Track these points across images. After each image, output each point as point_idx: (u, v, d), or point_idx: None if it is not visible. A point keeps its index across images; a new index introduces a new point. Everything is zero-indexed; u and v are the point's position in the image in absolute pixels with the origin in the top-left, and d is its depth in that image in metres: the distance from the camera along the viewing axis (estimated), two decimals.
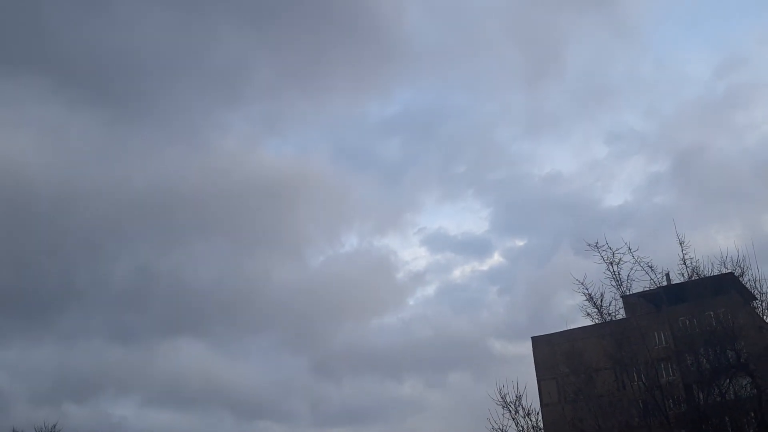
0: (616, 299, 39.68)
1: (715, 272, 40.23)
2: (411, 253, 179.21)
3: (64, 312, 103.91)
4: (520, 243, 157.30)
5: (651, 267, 38.36)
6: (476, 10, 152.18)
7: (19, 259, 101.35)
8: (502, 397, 37.48)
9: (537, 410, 38.20)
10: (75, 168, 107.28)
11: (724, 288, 42.81)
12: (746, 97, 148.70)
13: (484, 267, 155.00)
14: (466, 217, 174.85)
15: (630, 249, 37.92)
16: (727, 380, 36.17)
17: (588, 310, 40.01)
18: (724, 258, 39.67)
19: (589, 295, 39.44)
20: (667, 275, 44.66)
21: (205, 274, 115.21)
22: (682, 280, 41.79)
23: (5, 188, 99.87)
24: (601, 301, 39.20)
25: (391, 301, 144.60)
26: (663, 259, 43.29)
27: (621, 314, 42.27)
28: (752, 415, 36.10)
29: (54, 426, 53.20)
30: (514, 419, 36.71)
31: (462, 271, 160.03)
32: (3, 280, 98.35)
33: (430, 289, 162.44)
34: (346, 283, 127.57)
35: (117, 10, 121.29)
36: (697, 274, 39.75)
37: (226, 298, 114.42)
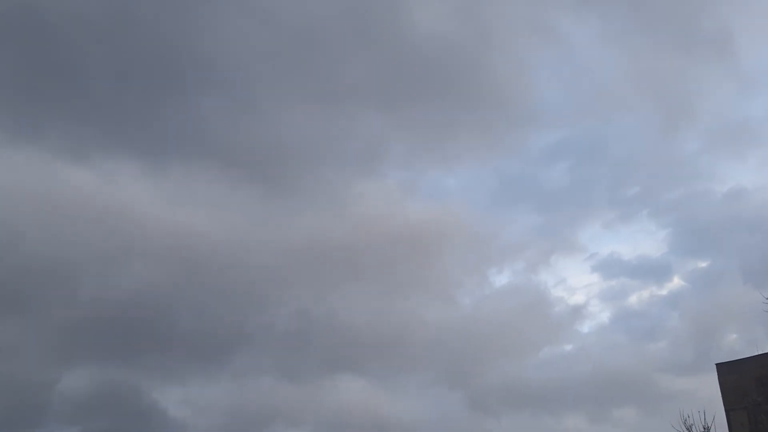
0: None
1: None
2: (582, 281, 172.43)
3: (236, 353, 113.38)
4: (702, 264, 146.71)
5: None
6: (600, 73, 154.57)
7: (198, 309, 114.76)
8: (687, 428, 35.04)
9: None
10: (239, 233, 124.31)
11: None
12: None
13: (663, 291, 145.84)
14: (641, 240, 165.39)
15: None
16: None
17: None
18: None
19: None
20: None
21: (360, 317, 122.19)
22: None
23: (186, 252, 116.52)
24: None
25: (552, 333, 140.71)
26: None
27: None
28: None
29: None
30: None
31: (639, 296, 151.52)
32: (186, 327, 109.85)
33: (604, 317, 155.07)
34: (502, 320, 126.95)
35: (264, 106, 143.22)
36: None
37: (381, 338, 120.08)
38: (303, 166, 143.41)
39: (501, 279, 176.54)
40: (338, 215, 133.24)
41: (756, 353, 47.16)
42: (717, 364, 51.08)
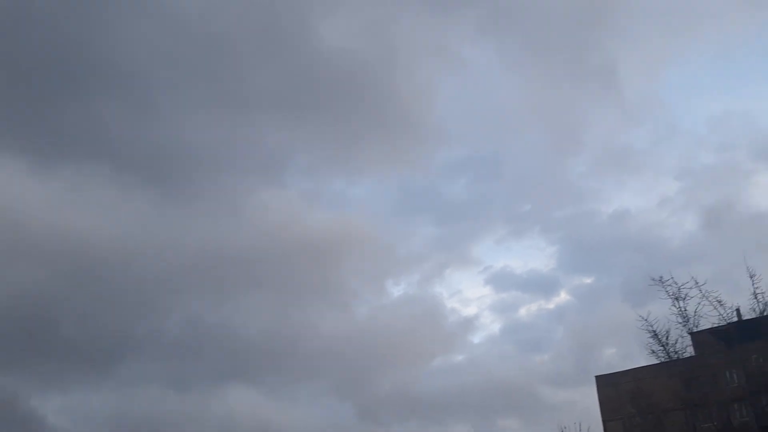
0: (682, 336, 38.23)
1: None
2: (475, 293, 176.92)
3: (123, 360, 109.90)
4: (587, 281, 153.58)
5: (720, 302, 36.90)
6: (498, 99, 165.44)
7: (84, 314, 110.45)
8: None
9: None
10: (130, 238, 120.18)
11: None
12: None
13: (551, 305, 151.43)
14: (532, 255, 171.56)
15: (697, 283, 36.64)
16: None
17: (653, 348, 38.65)
18: None
19: (654, 332, 38.19)
20: (738, 311, 42.66)
21: (254, 326, 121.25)
22: (753, 316, 39.84)
23: (73, 256, 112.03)
24: (667, 338, 37.83)
25: (445, 344, 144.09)
26: (734, 296, 41.51)
27: (689, 352, 40.64)
28: None
29: None
30: None
31: (528, 309, 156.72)
32: (70, 332, 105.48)
33: (495, 328, 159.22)
34: (396, 330, 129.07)
35: (166, 110, 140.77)
36: None
37: (275, 347, 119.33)
38: (203, 172, 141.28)
39: (398, 290, 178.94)
40: (238, 223, 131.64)
41: (630, 367, 49.51)
42: (596, 377, 53.27)
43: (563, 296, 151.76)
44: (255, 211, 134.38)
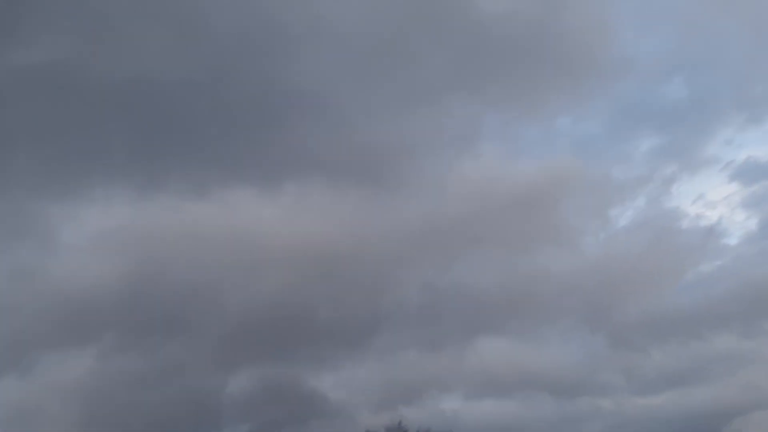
0: None
1: None
2: (720, 193, 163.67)
3: (376, 334, 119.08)
4: None
5: None
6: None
7: (333, 301, 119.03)
8: None
9: None
10: (350, 232, 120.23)
11: None
12: None
13: None
14: None
15: None
16: None
17: None
18: None
19: None
20: None
21: (485, 281, 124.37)
22: None
23: (310, 256, 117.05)
24: None
25: (693, 257, 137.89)
26: None
27: None
28: None
29: (400, 422, 60.43)
30: None
31: None
32: (326, 318, 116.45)
33: (751, 224, 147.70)
34: (633, 256, 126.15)
35: (349, 118, 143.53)
36: None
37: (510, 297, 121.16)
38: (403, 163, 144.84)
39: (627, 214, 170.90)
40: (444, 196, 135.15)
41: None
42: None
43: None
44: (457, 182, 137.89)
